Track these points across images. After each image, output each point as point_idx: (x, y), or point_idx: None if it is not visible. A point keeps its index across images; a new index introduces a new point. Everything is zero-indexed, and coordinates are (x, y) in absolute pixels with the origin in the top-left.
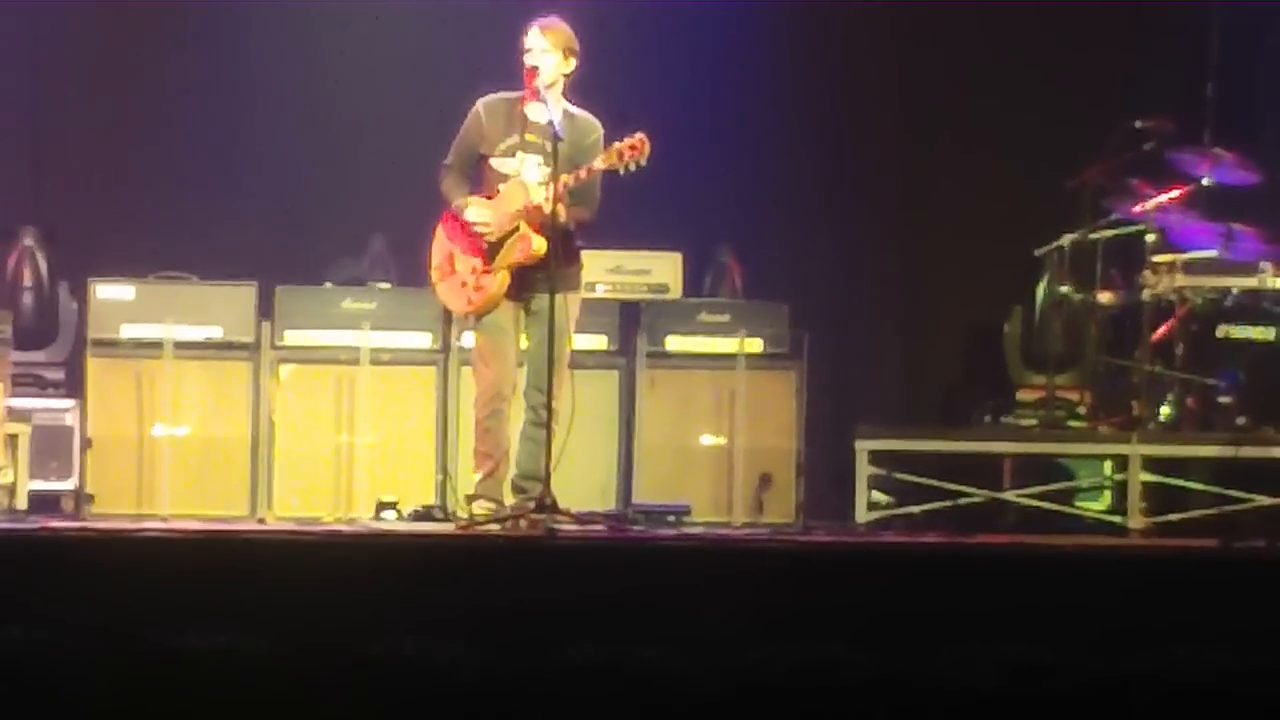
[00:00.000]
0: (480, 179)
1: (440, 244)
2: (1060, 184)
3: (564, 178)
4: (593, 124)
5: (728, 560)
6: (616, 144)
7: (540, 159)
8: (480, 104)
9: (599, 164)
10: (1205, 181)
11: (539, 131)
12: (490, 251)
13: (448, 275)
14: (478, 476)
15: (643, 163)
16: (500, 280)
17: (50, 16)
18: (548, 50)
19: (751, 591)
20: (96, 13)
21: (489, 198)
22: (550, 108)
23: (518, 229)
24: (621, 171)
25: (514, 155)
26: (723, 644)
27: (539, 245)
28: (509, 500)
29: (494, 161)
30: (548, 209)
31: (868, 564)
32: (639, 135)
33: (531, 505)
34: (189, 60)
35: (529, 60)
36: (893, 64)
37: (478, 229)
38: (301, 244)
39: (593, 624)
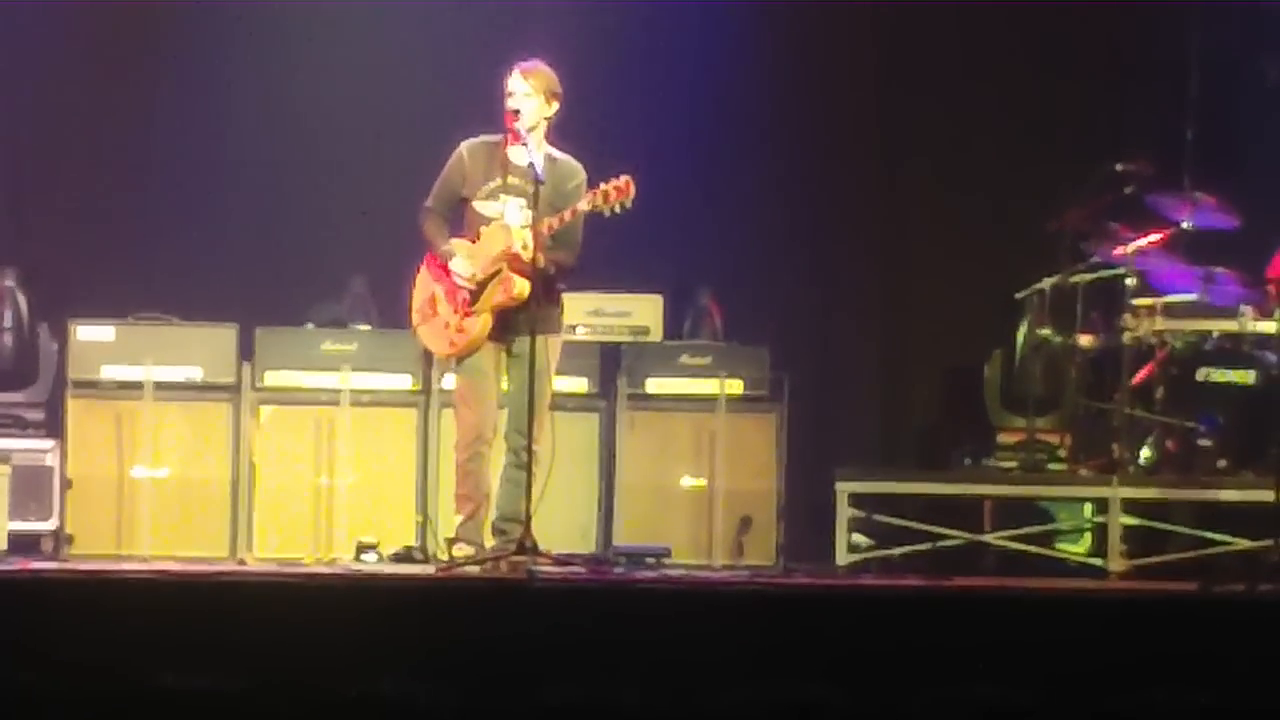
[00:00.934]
0: (462, 221)
1: (422, 286)
2: (1040, 227)
3: (547, 220)
4: (575, 168)
5: (708, 602)
6: (601, 185)
7: (523, 202)
8: (463, 147)
9: (583, 205)
10: (1185, 225)
11: (521, 174)
12: (473, 294)
13: (430, 318)
14: (458, 519)
15: (628, 205)
16: (483, 322)
17: (29, 58)
18: (529, 94)
19: (731, 633)
20: (76, 53)
21: (472, 240)
22: (532, 151)
23: (500, 271)
24: (606, 213)
25: (497, 198)
26: (702, 685)
27: (521, 288)
28: (489, 543)
29: (477, 204)
30: (527, 256)
31: (848, 606)
32: (624, 177)
33: (512, 547)
34: (169, 101)
35: (511, 104)
36: (872, 107)
37: (460, 280)
38: (282, 285)
39: (572, 665)
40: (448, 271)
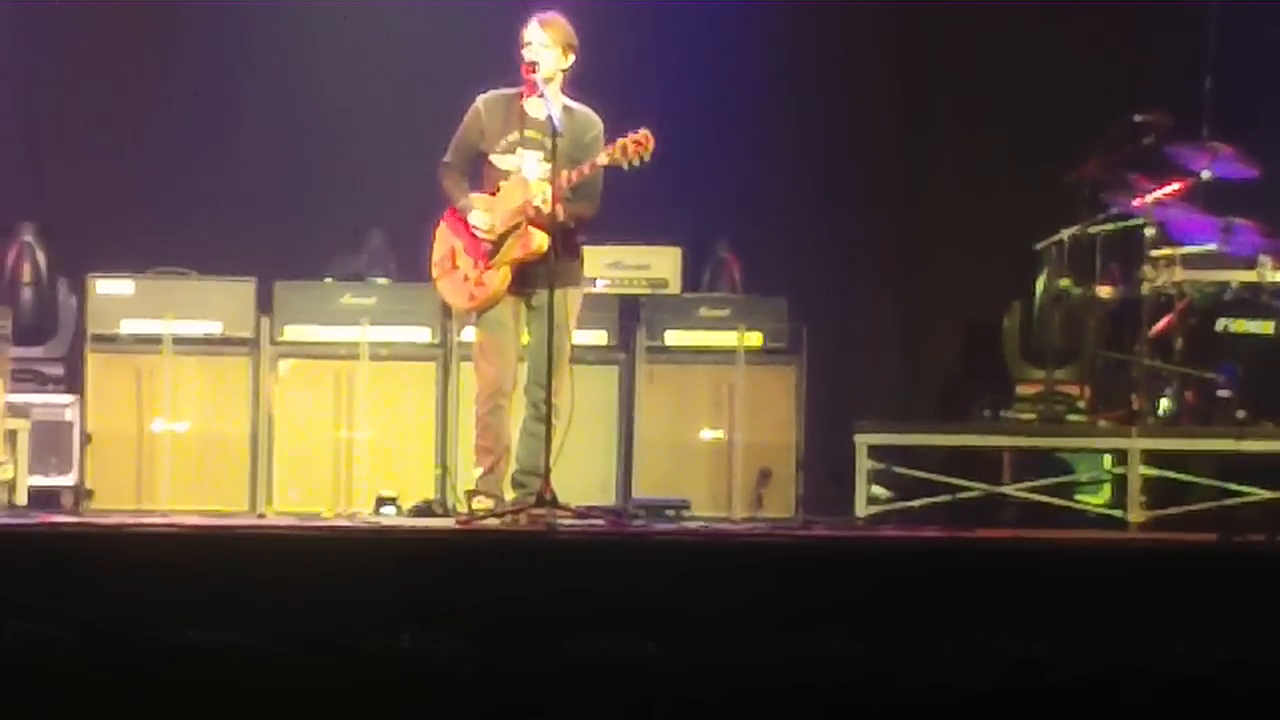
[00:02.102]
0: (480, 175)
1: (442, 240)
2: (1059, 178)
3: (566, 174)
4: (592, 119)
5: (727, 555)
6: (620, 140)
7: (541, 155)
8: (480, 100)
9: (602, 159)
10: (1204, 175)
11: (538, 127)
12: (492, 247)
13: (449, 271)
14: (478, 472)
15: (646, 159)
16: (502, 276)
17: (48, 15)
18: (547, 45)
19: (750, 586)
20: (94, 10)
21: (491, 194)
22: (549, 103)
23: (519, 225)
24: (625, 167)
25: (514, 152)
26: (722, 639)
27: (540, 241)
28: (509, 495)
29: (494, 158)
30: (547, 208)
31: (867, 559)
32: (643, 131)
33: (531, 500)
34: (187, 56)
35: (528, 55)
36: (891, 59)
37: (479, 233)
38: (300, 239)
39: (592, 619)
40: (467, 226)
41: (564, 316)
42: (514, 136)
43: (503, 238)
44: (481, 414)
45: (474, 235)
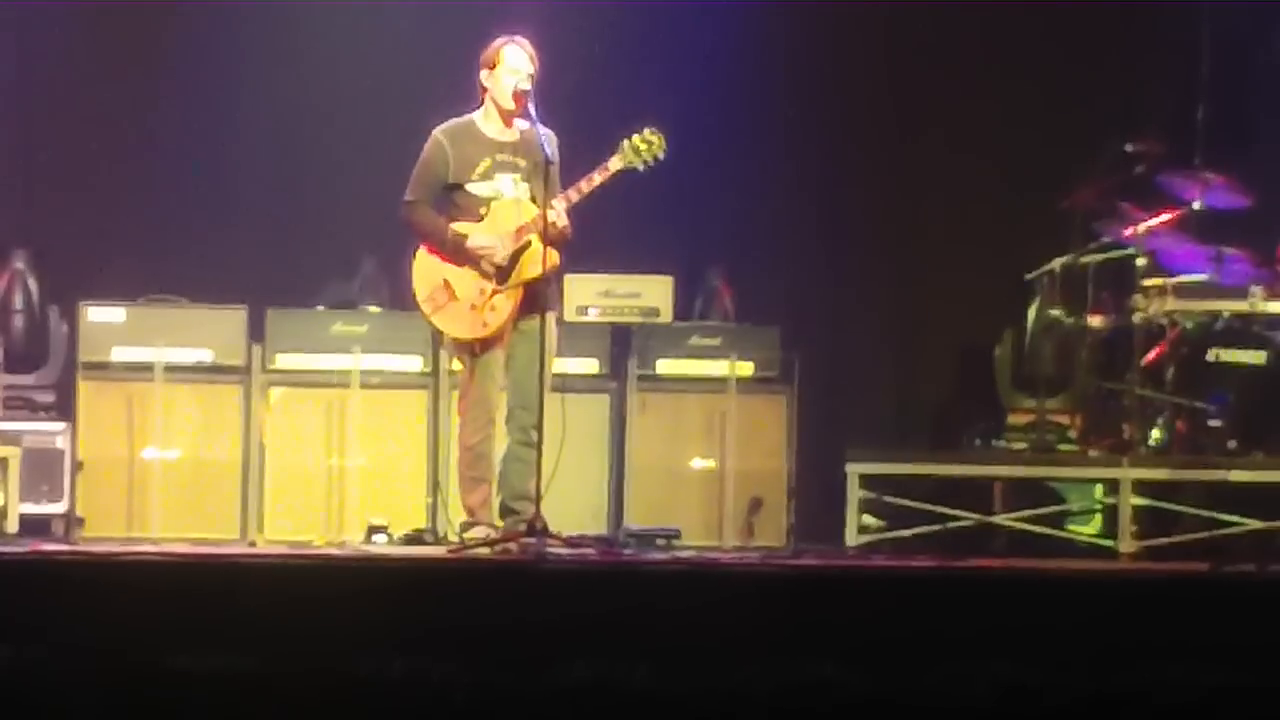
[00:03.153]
0: (449, 207)
1: (427, 274)
2: (1051, 207)
3: (576, 186)
4: (550, 134)
5: (718, 583)
6: (625, 141)
7: (516, 176)
8: (440, 134)
9: (615, 164)
10: (1196, 205)
11: (508, 150)
12: (502, 270)
13: (446, 304)
14: (471, 501)
15: (660, 156)
16: (514, 299)
17: (39, 40)
18: (533, 73)
19: (742, 614)
20: (85, 35)
21: (476, 221)
22: (537, 127)
23: (528, 244)
24: (640, 168)
25: (491, 178)
26: (713, 667)
27: (553, 258)
28: (498, 523)
29: (470, 187)
30: (562, 223)
31: (858, 588)
32: (647, 129)
33: (523, 528)
34: (178, 83)
35: (523, 84)
36: (883, 86)
37: (483, 253)
38: (292, 267)
39: (583, 646)
40: (454, 255)
41: (552, 340)
42: (487, 163)
43: (513, 259)
44: (473, 444)
45: (468, 263)
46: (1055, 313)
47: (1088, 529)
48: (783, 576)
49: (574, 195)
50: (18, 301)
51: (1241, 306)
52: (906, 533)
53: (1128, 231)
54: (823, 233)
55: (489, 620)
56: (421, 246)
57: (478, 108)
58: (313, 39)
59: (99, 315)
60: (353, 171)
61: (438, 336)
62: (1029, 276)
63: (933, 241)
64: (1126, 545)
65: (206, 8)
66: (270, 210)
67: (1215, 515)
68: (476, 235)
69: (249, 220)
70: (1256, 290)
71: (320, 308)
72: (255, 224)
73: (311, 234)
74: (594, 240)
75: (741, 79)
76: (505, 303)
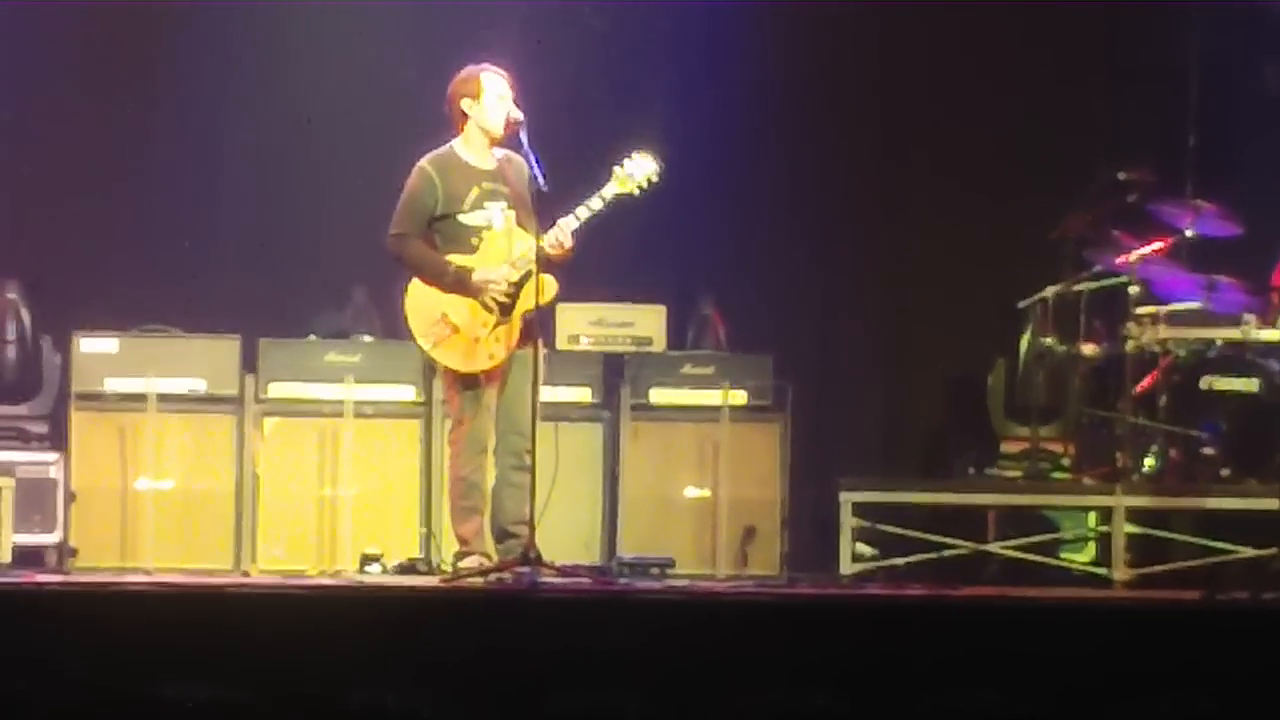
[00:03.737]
0: (434, 238)
1: (424, 307)
2: (1043, 236)
3: (575, 214)
4: (522, 160)
5: (712, 612)
6: (615, 167)
7: (503, 204)
8: (428, 166)
9: (613, 188)
10: (1188, 233)
11: (491, 178)
12: (505, 302)
13: (447, 337)
14: (464, 529)
15: (655, 179)
16: (517, 329)
17: (30, 70)
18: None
19: (735, 643)
20: (76, 65)
21: (469, 252)
22: (529, 154)
23: (530, 275)
24: (636, 192)
25: (482, 207)
26: (706, 696)
27: (555, 286)
28: (493, 551)
29: (462, 218)
30: (568, 244)
31: (852, 616)
32: (637, 153)
33: (519, 555)
34: (170, 113)
35: (515, 113)
36: (874, 116)
37: (489, 286)
38: (284, 297)
39: (577, 676)
40: (450, 288)
41: (541, 367)
42: (476, 192)
43: (515, 289)
44: (465, 474)
45: (467, 294)
46: (1048, 341)
47: (1081, 557)
48: (777, 605)
49: (573, 222)
50: (10, 332)
51: (1234, 334)
52: (900, 561)
53: (1120, 260)
54: (815, 261)
55: (482, 650)
56: (414, 279)
57: (454, 137)
58: (302, 69)
59: (92, 345)
60: (343, 202)
61: (433, 369)
62: (1021, 305)
63: (925, 270)
64: (1120, 573)
65: (196, 36)
66: (262, 240)
67: (1208, 543)
68: (483, 269)
69: (241, 250)
70: (1249, 318)
71: (312, 337)
72: (247, 254)
73: (303, 264)
74: (586, 269)
75: (732, 108)
76: (509, 333)
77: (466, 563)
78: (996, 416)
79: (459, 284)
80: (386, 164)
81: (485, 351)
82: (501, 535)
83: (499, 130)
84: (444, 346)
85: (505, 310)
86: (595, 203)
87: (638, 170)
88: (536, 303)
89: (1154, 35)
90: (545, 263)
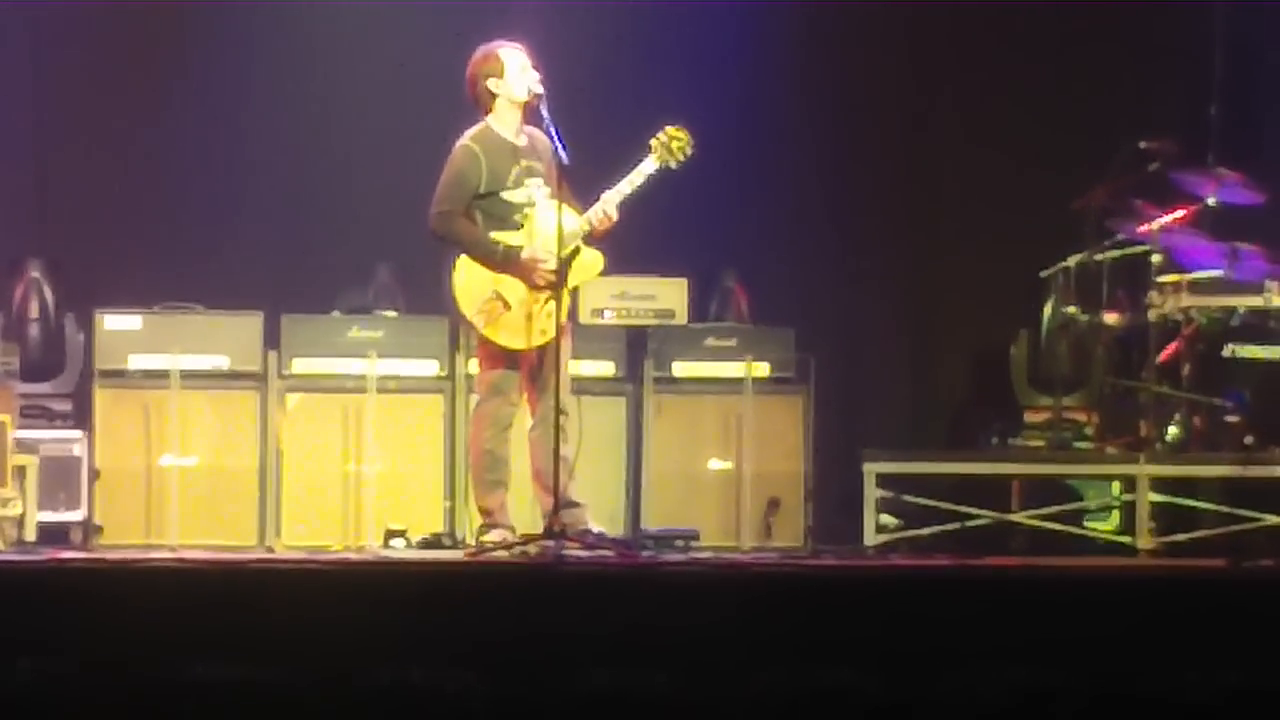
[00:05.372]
0: (476, 215)
1: (474, 284)
2: (1065, 205)
3: (618, 190)
4: (544, 135)
5: (736, 585)
6: (653, 140)
7: (540, 180)
8: (472, 143)
9: (652, 162)
10: (1210, 202)
11: (529, 155)
12: (555, 278)
13: (501, 313)
14: (491, 502)
15: (689, 152)
16: (566, 305)
17: (54, 49)
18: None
19: (760, 616)
20: (100, 44)
21: (514, 229)
22: (550, 129)
23: (578, 250)
24: (673, 165)
25: (522, 184)
26: (731, 669)
27: (601, 260)
28: (515, 525)
29: (505, 195)
30: (615, 217)
31: (877, 587)
32: (669, 127)
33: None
34: (192, 91)
35: (537, 86)
36: (896, 88)
37: (539, 263)
38: (307, 273)
39: (602, 650)
40: (500, 265)
41: (568, 339)
42: (517, 169)
43: (565, 265)
44: (491, 447)
45: (517, 272)
46: (1070, 311)
47: (1106, 526)
48: (801, 577)
49: (616, 196)
50: (34, 310)
51: (1257, 302)
52: (924, 532)
53: (1142, 229)
54: (837, 233)
55: (507, 624)
56: (462, 257)
57: (480, 115)
58: (326, 47)
59: (115, 323)
60: (367, 178)
61: (456, 344)
62: (1044, 274)
63: (947, 240)
64: (1145, 541)
65: (219, 15)
66: (285, 216)
67: (1233, 511)
68: (533, 247)
69: (264, 226)
70: (1272, 286)
71: (336, 313)
72: (270, 230)
73: (326, 241)
74: (609, 243)
75: (755, 81)
76: (562, 309)
77: (491, 536)
78: (1020, 386)
79: (508, 262)
80: (411, 141)
81: (537, 328)
82: (567, 504)
83: (535, 107)
84: (497, 323)
85: (556, 284)
86: (637, 178)
87: (674, 143)
88: (596, 274)
89: (1177, 7)
90: (589, 237)
